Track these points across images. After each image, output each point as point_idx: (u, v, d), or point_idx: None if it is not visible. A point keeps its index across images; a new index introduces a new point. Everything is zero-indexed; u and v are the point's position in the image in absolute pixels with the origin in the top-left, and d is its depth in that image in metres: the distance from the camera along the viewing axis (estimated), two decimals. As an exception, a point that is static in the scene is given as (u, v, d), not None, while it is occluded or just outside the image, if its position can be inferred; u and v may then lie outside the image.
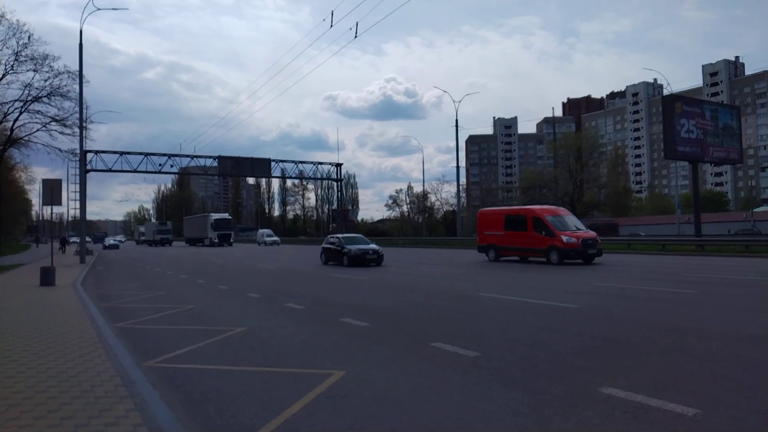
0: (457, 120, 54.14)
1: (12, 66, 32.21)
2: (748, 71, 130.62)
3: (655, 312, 10.26)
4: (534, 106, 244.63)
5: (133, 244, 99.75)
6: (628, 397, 4.99)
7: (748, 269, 19.56)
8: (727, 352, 6.85)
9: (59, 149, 36.20)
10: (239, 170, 63.31)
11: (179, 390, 5.77)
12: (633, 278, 16.76)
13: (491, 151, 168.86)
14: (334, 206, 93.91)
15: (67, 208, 78.12)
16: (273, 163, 61.61)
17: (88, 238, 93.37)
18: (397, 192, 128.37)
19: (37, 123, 34.76)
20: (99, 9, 30.78)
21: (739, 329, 8.29)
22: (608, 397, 5.05)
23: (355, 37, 31.21)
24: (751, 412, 4.61)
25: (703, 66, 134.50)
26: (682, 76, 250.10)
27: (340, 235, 28.52)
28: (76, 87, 32.60)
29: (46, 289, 15.91)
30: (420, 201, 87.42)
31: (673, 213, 67.00)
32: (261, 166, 61.45)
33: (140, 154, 54.10)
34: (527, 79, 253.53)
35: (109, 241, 74.85)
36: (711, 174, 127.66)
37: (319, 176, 66.84)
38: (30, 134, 35.79)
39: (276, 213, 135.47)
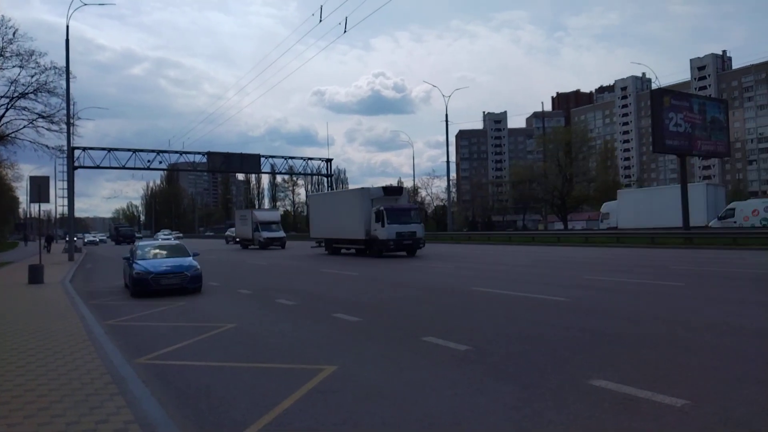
0: (447, 115, 54.20)
1: (-3, 62, 31.81)
2: (736, 65, 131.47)
3: (644, 304, 10.33)
4: (523, 101, 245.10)
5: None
6: (618, 389, 5.02)
7: (736, 261, 19.74)
8: (715, 343, 6.91)
9: (46, 146, 35.76)
10: (229, 166, 62.93)
11: (170, 386, 5.75)
12: (622, 271, 16.86)
13: (481, 146, 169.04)
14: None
15: (55, 205, 75.02)
16: (263, 159, 61.29)
17: (102, 236, 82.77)
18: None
19: (23, 119, 34.33)
20: (85, 4, 30.48)
21: (727, 321, 8.37)
22: (598, 389, 5.09)
23: (345, 32, 31.03)
24: (740, 402, 4.65)
25: (690, 60, 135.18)
26: (670, 70, 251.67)
27: None
28: (63, 83, 32.30)
29: (35, 287, 15.79)
30: (410, 196, 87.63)
31: (661, 206, 67.32)
32: (250, 162, 61.16)
33: (128, 150, 53.64)
34: (516, 74, 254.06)
35: (156, 262, 14.42)
36: (699, 167, 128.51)
37: (309, 172, 66.69)
38: (16, 131, 35.33)
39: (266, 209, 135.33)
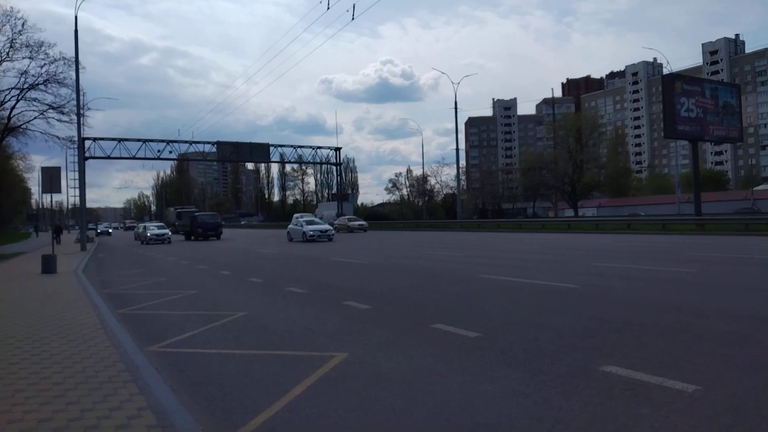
0: (456, 102, 54.05)
1: (7, 53, 31.99)
2: (749, 49, 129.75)
3: (654, 291, 10.29)
4: (533, 87, 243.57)
5: None
6: (628, 375, 5.02)
7: (748, 248, 19.60)
8: (727, 330, 6.87)
9: (57, 137, 36.07)
10: (238, 155, 63.12)
11: (182, 374, 5.81)
12: (632, 258, 16.78)
13: (491, 133, 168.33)
14: (334, 190, 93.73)
15: (67, 195, 74.64)
16: (272, 148, 61.43)
17: (153, 227, 43.15)
18: (396, 175, 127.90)
19: (34, 111, 34.57)
20: (94, -6, 30.42)
21: (739, 308, 8.32)
22: (608, 375, 5.09)
23: (353, 19, 30.94)
24: (751, 389, 4.63)
25: (702, 44, 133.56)
26: (681, 55, 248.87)
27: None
28: (73, 74, 32.49)
29: (48, 277, 15.96)
30: (420, 184, 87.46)
31: (673, 193, 67.05)
32: (260, 151, 61.31)
33: (138, 140, 53.86)
34: (526, 60, 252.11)
35: None
36: (711, 153, 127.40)
37: (318, 161, 66.75)
38: (27, 122, 35.60)
39: (276, 198, 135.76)
